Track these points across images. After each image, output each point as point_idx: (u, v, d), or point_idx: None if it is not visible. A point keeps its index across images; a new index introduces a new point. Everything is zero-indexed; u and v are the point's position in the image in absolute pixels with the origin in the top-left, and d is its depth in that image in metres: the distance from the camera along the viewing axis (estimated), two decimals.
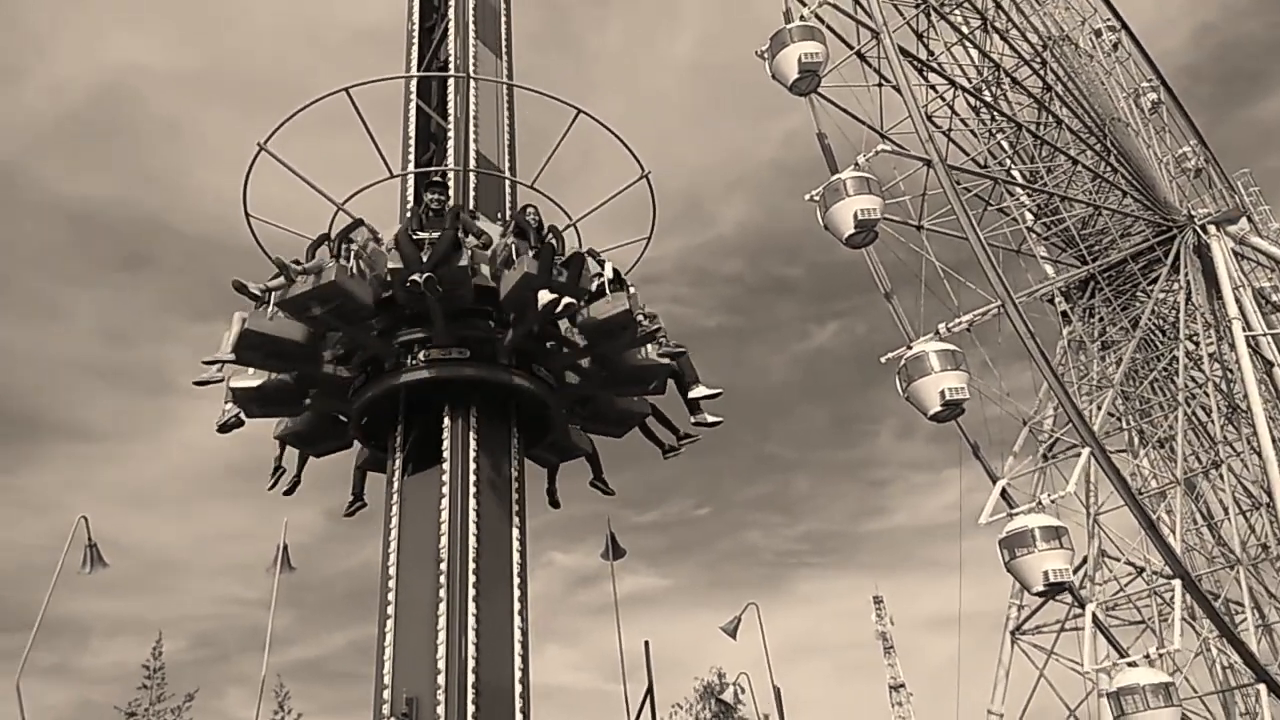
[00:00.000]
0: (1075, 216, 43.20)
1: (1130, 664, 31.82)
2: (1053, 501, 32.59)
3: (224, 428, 10.81)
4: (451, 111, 12.53)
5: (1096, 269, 41.41)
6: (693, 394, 11.19)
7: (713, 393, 11.19)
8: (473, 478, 9.79)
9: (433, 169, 12.09)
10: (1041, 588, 31.16)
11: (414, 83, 13.27)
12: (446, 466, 9.76)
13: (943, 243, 36.86)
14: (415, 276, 9.40)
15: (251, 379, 10.73)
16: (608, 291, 10.40)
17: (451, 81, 12.82)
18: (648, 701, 24.76)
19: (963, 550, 47.34)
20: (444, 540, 9.42)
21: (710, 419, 11.57)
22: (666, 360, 10.92)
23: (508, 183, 12.69)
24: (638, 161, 11.08)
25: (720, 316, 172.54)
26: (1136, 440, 43.17)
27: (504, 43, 13.88)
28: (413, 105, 13.00)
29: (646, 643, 25.11)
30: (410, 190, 12.16)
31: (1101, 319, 43.43)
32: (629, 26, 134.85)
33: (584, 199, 11.63)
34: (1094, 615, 33.56)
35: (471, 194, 11.98)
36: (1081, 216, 43.73)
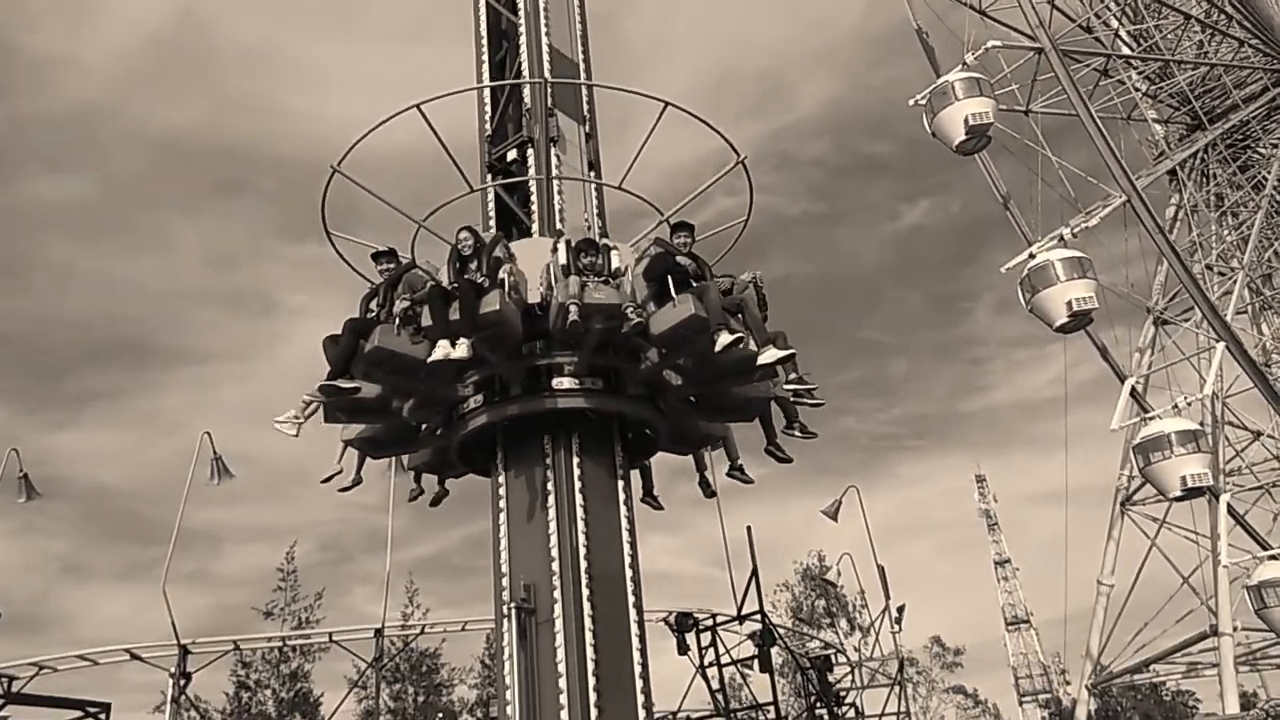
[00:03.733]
0: (1188, 77, 40.11)
1: (1271, 557, 31.34)
2: (1188, 404, 31.49)
3: (346, 489, 10.94)
4: (522, 6, 12.28)
5: (1215, 135, 38.52)
6: (763, 358, 9.48)
7: (786, 354, 9.55)
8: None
9: (514, 180, 11.52)
10: (1179, 493, 30.56)
11: None
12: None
13: (1050, 122, 34.82)
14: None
15: (351, 426, 10.70)
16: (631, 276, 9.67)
17: None
18: (753, 583, 25.42)
19: (1068, 424, 46.36)
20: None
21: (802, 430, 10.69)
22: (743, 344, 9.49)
23: (583, 85, 12.37)
24: (732, 148, 10.58)
25: (806, 203, 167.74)
26: (1256, 306, 41.39)
27: None
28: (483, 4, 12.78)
29: (749, 528, 25.58)
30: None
31: (1218, 180, 40.86)
32: None
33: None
34: (1229, 506, 32.97)
35: (548, 92, 11.57)
36: (1194, 76, 40.61)
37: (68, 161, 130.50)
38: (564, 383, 9.72)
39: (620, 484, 10.06)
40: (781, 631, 31.86)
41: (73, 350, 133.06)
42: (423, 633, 33.16)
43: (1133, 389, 33.96)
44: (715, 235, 11.49)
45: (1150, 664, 39.13)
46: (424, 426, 10.75)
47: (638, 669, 9.40)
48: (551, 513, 9.42)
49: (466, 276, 9.27)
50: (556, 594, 9.12)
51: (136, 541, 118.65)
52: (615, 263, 9.70)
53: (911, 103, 32.06)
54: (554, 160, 11.27)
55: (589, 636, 9.06)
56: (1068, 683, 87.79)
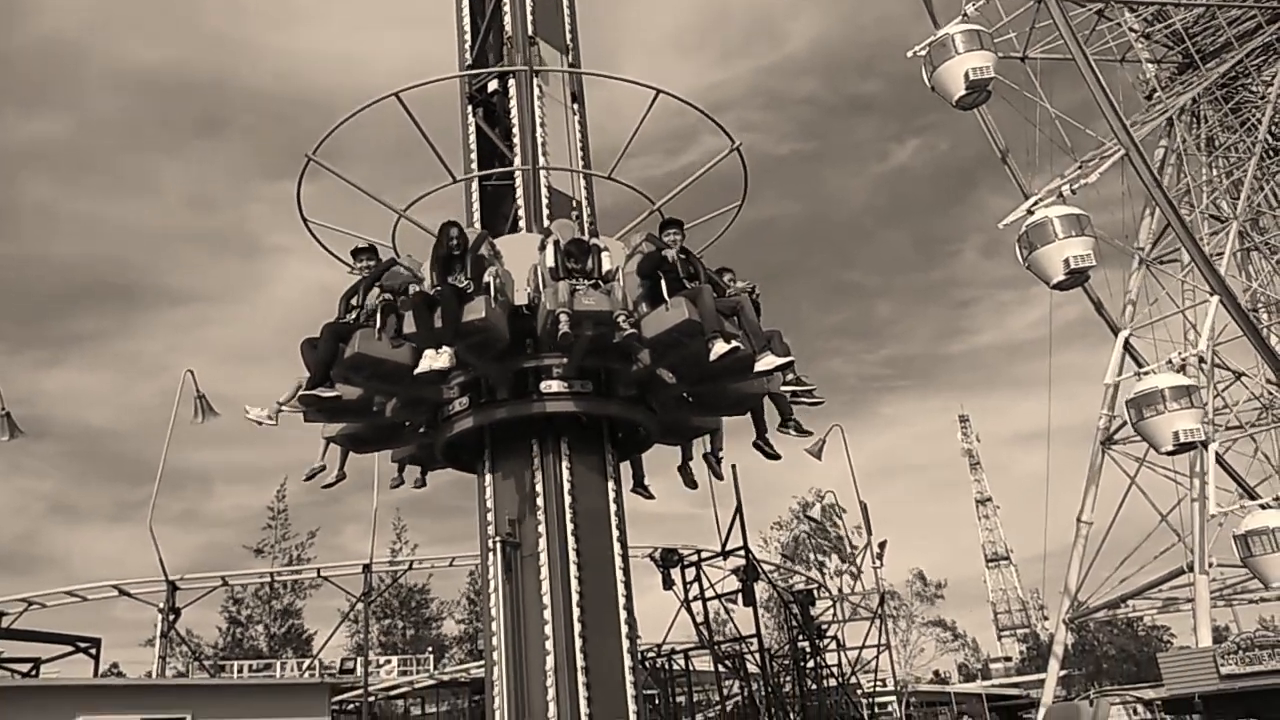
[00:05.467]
0: (1183, 17, 39.61)
1: (1263, 506, 31.63)
2: (1184, 360, 31.65)
3: (329, 485, 10.64)
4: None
5: (1210, 80, 38.10)
6: (759, 365, 9.14)
7: (783, 362, 9.24)
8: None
9: (497, 170, 11.15)
10: (1171, 447, 30.82)
11: None
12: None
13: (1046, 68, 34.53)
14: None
15: (333, 424, 10.35)
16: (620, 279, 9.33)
17: None
18: (737, 520, 25.86)
19: (1052, 365, 46.54)
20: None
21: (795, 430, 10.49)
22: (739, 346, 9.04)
23: (566, 13, 12.10)
24: (728, 135, 10.40)
25: (794, 142, 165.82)
26: (1244, 250, 41.37)
27: None
28: None
29: (734, 467, 25.97)
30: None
31: (1209, 122, 40.56)
32: None
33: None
34: (1217, 454, 33.27)
35: (530, 20, 11.36)
36: (1189, 15, 40.10)
37: (44, 100, 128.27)
38: (552, 385, 9.45)
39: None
40: (767, 568, 32.35)
41: (55, 291, 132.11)
42: (410, 568, 33.65)
43: (1126, 341, 34.14)
44: (710, 219, 11.27)
45: (1127, 599, 39.83)
46: (408, 424, 10.52)
47: (622, 600, 9.47)
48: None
49: (450, 279, 8.88)
50: (541, 529, 9.20)
51: (126, 481, 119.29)
52: (606, 264, 9.30)
53: (910, 54, 31.59)
54: (537, 92, 11.02)
55: (573, 570, 9.12)
56: (1046, 618, 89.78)
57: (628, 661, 9.32)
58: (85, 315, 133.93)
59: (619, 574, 9.65)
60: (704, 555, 26.63)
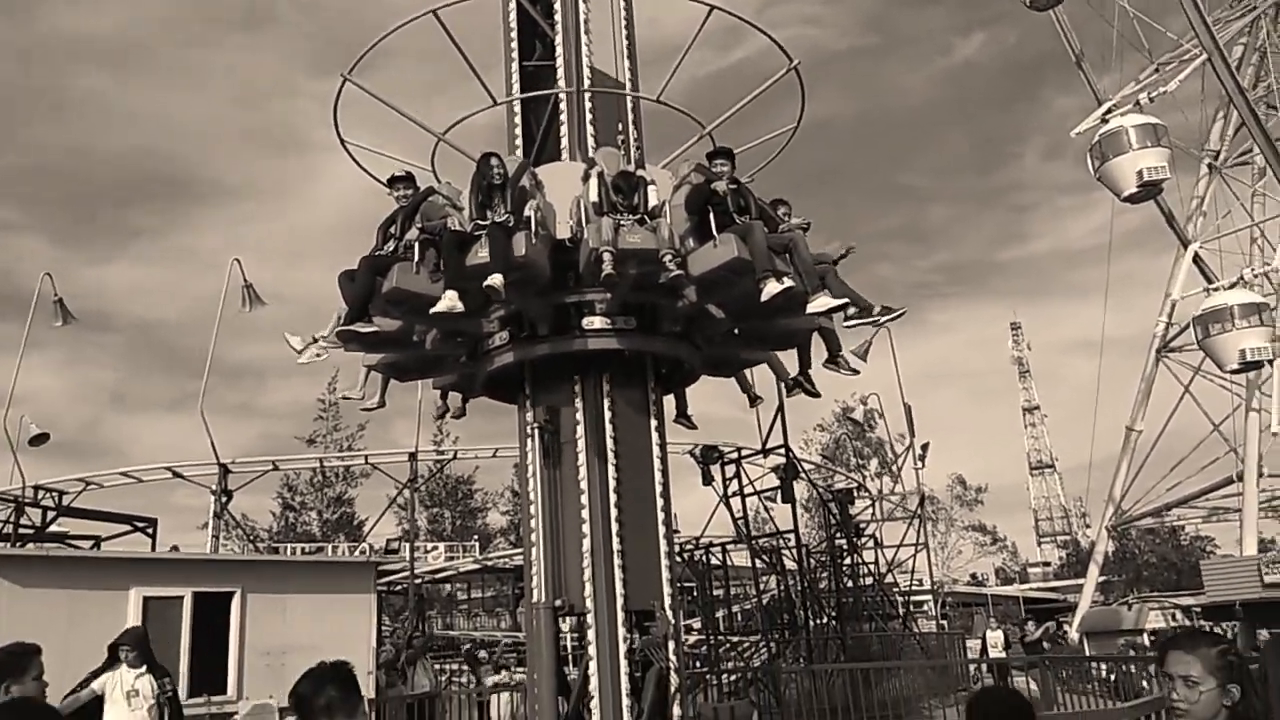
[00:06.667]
0: None
1: None
2: (1255, 277, 30.69)
3: (370, 409, 10.70)
4: None
5: None
6: (812, 306, 8.74)
7: (837, 304, 8.80)
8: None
9: (541, 93, 10.52)
10: (1236, 365, 30.16)
11: None
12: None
13: None
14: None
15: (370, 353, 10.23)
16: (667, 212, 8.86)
17: None
18: (778, 419, 25.97)
19: (1110, 273, 45.09)
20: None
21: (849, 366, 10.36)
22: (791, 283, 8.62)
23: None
24: (784, 52, 9.85)
25: (854, 36, 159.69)
26: None
27: None
28: None
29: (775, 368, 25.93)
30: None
31: None
32: None
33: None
34: None
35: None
36: None
37: None
38: (595, 322, 9.19)
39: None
40: (807, 468, 32.46)
41: (109, 184, 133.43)
42: (455, 458, 34.33)
43: (1195, 255, 33.07)
44: (763, 141, 10.74)
45: (1172, 507, 39.51)
46: (449, 355, 10.44)
47: (659, 489, 9.54)
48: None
49: (489, 212, 8.63)
50: (579, 417, 9.25)
51: (184, 373, 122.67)
52: (652, 198, 8.86)
53: None
54: None
55: (610, 458, 9.18)
56: (1088, 526, 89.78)
57: (664, 547, 9.42)
58: (139, 209, 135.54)
59: (656, 464, 9.66)
60: (744, 453, 26.74)
